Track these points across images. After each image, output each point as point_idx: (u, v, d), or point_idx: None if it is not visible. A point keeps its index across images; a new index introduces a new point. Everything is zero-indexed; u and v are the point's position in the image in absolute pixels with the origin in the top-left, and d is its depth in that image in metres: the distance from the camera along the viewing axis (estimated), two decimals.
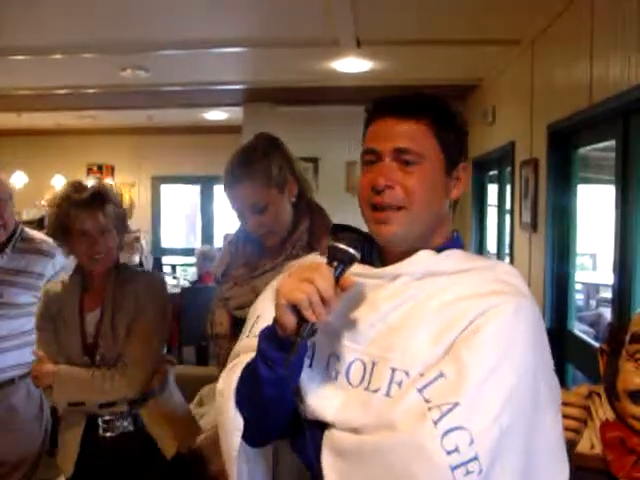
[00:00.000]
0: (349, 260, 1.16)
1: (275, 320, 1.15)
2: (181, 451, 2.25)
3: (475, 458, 1.02)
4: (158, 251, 9.71)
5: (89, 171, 9.96)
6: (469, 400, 1.05)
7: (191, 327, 5.69)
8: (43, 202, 8.50)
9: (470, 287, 1.17)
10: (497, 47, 4.31)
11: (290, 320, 1.12)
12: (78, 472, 2.19)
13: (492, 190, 5.76)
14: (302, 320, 1.11)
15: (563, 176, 3.64)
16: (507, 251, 4.91)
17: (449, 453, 1.02)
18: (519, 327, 1.13)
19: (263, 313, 1.32)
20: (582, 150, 3.60)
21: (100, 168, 10.00)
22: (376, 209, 1.22)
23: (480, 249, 5.98)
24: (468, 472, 1.02)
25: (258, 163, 1.96)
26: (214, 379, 3.72)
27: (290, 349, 1.12)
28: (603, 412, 1.29)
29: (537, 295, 3.85)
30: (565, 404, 1.26)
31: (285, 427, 1.25)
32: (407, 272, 1.21)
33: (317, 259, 1.34)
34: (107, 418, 2.19)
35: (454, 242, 1.30)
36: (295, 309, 1.11)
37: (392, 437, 1.07)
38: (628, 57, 2.66)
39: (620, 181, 2.86)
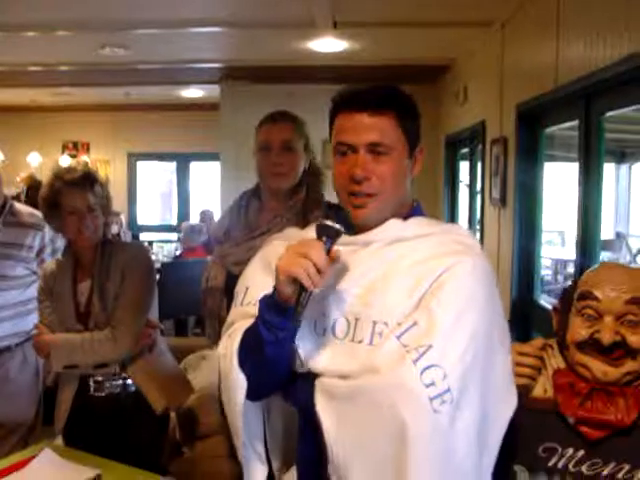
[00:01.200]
0: (336, 234, 1.33)
1: (277, 292, 1.31)
2: (172, 408, 2.42)
3: (448, 390, 1.21)
4: (134, 228, 9.75)
5: (64, 148, 9.96)
6: (440, 342, 1.24)
7: (170, 301, 5.80)
8: (18, 179, 8.50)
9: (434, 248, 1.36)
10: (469, 29, 4.42)
11: (291, 291, 1.29)
12: (70, 427, 2.39)
13: (464, 167, 5.93)
14: (301, 289, 1.28)
15: (531, 154, 3.78)
16: (478, 226, 5.08)
17: (427, 386, 1.20)
18: (476, 281, 1.33)
19: (251, 283, 1.50)
20: (552, 129, 3.73)
21: (76, 145, 10.00)
22: (354, 195, 1.40)
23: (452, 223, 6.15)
24: (443, 402, 1.20)
25: (296, 117, 2.33)
26: (195, 349, 3.88)
27: (293, 314, 1.31)
28: (555, 362, 1.46)
29: (505, 268, 4.03)
30: (522, 354, 1.44)
31: (281, 383, 1.42)
32: (378, 239, 1.40)
33: (294, 233, 1.58)
34: (98, 379, 2.37)
35: (415, 210, 1.49)
36: (294, 281, 1.28)
37: (376, 378, 1.25)
38: (590, 42, 2.81)
39: (582, 160, 3.03)
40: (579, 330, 1.39)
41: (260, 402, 1.49)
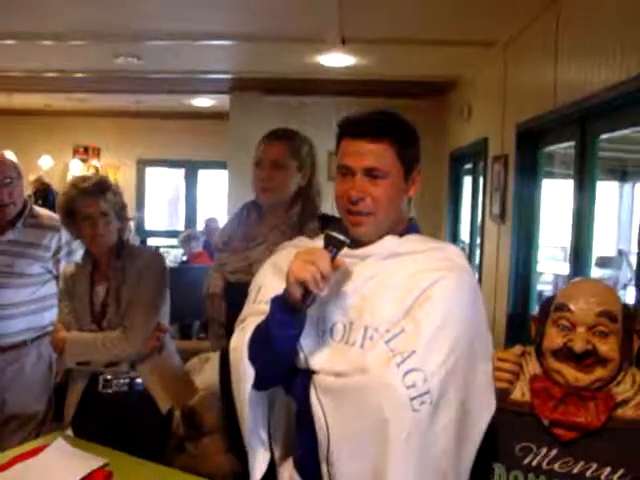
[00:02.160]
0: (341, 245, 1.49)
1: (286, 293, 1.46)
2: (176, 407, 2.54)
3: (428, 392, 1.35)
4: (142, 233, 9.88)
5: (75, 152, 10.11)
6: (423, 349, 1.38)
7: (175, 305, 5.90)
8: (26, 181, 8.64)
9: (424, 264, 1.50)
10: (473, 48, 4.53)
11: (299, 293, 1.44)
12: (78, 419, 2.52)
13: (467, 182, 6.03)
14: (307, 292, 1.43)
15: (530, 172, 3.88)
16: (478, 241, 5.18)
17: (408, 388, 1.34)
18: (460, 296, 1.46)
19: (263, 283, 1.65)
20: (554, 147, 3.83)
21: (86, 150, 10.15)
22: (351, 214, 1.55)
23: (454, 239, 6.27)
24: (422, 402, 1.34)
25: (297, 138, 2.43)
26: (199, 352, 4.00)
27: (299, 313, 1.46)
28: (532, 367, 1.58)
29: (503, 282, 4.14)
30: (502, 360, 1.56)
31: (285, 376, 1.57)
32: (375, 253, 1.55)
33: (304, 242, 1.72)
34: (107, 377, 2.50)
35: (411, 228, 1.63)
36: (302, 284, 1.42)
37: (365, 378, 1.39)
38: (586, 66, 2.92)
39: (577, 179, 3.14)
40: (554, 339, 1.52)
41: (265, 395, 1.64)
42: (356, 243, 1.57)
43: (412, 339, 1.39)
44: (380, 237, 1.56)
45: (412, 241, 1.57)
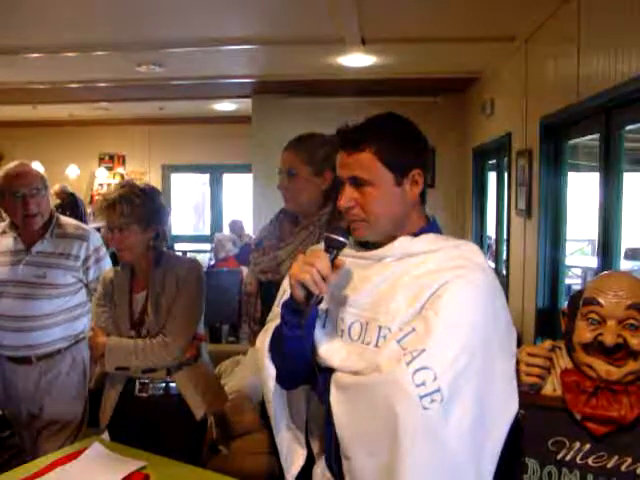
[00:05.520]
0: (340, 246, 1.54)
1: (291, 295, 1.53)
2: (209, 414, 2.58)
3: (438, 390, 1.36)
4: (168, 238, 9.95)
5: (101, 160, 10.25)
6: (433, 347, 1.39)
7: (205, 309, 5.97)
8: (51, 192, 8.77)
9: (437, 263, 1.51)
10: (494, 44, 4.51)
11: (301, 294, 1.50)
12: (114, 422, 2.57)
13: (492, 178, 6.01)
14: (309, 292, 1.48)
15: (555, 166, 3.86)
16: (505, 236, 5.16)
17: (418, 386, 1.36)
18: (473, 295, 1.46)
19: (287, 289, 1.66)
20: (578, 139, 3.80)
21: (111, 157, 10.29)
22: (348, 220, 1.61)
23: (481, 234, 6.25)
24: (432, 400, 1.35)
25: (310, 143, 2.39)
26: (229, 355, 4.02)
27: (303, 313, 1.51)
28: (563, 362, 1.58)
29: (530, 276, 4.12)
30: (532, 355, 1.56)
31: (306, 374, 1.62)
32: (389, 254, 1.58)
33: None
34: (143, 381, 2.54)
35: (431, 226, 1.64)
36: (303, 285, 1.48)
37: (378, 376, 1.42)
38: (609, 58, 2.90)
39: (603, 172, 3.12)
40: (584, 333, 1.51)
41: (303, 392, 1.71)
42: (373, 245, 1.61)
43: (422, 338, 1.41)
44: (393, 238, 1.58)
45: (426, 241, 1.58)
